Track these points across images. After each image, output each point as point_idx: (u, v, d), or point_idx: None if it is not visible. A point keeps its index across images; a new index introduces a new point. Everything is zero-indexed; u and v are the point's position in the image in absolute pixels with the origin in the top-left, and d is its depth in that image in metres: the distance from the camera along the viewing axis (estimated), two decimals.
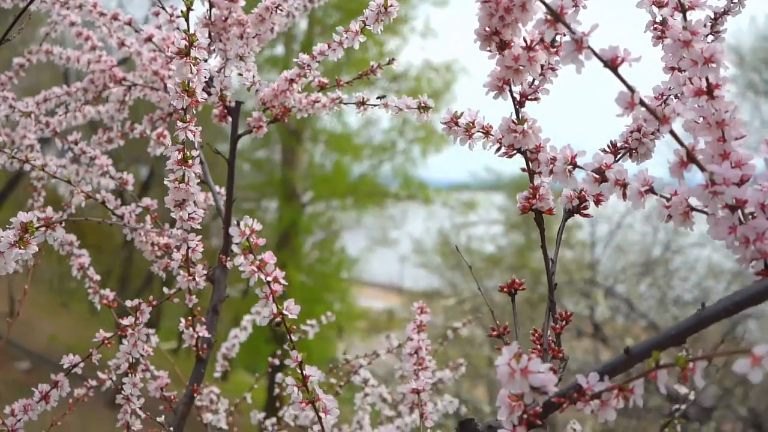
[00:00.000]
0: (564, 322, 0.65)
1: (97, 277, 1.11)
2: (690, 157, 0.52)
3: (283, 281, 0.63)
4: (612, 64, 0.51)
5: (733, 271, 7.11)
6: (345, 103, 0.98)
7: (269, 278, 0.63)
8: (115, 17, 1.11)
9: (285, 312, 0.64)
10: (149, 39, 1.06)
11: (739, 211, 0.53)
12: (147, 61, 1.16)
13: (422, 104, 0.86)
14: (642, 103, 0.51)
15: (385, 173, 11.98)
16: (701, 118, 0.56)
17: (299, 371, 0.66)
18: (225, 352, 1.44)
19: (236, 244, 0.62)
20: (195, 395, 1.00)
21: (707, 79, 0.54)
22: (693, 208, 0.55)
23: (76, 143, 1.13)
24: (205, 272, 0.92)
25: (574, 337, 7.56)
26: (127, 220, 1.00)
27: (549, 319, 0.65)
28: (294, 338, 0.66)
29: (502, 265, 9.59)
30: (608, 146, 0.70)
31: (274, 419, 1.35)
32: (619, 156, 0.70)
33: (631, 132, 0.69)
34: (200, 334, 0.98)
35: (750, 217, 0.53)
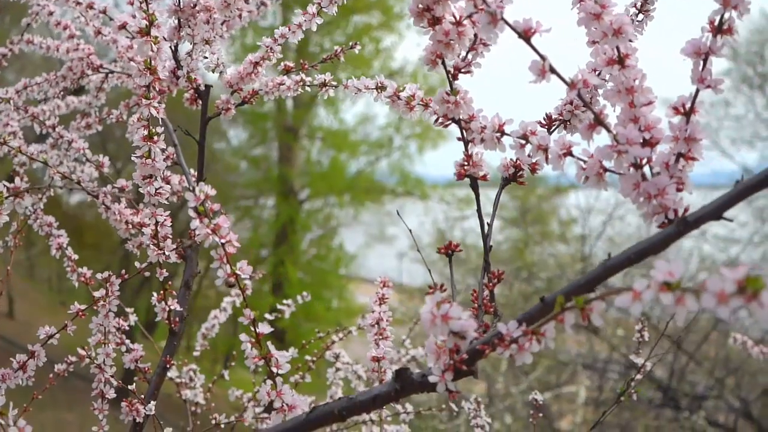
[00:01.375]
0: (497, 280, 0.70)
1: (75, 257, 1.15)
2: (598, 120, 0.57)
3: (236, 243, 0.68)
4: (525, 35, 0.56)
5: (724, 262, 7.18)
6: (308, 85, 1.03)
7: (223, 240, 0.67)
8: (90, 6, 1.15)
9: (238, 272, 0.68)
10: (123, 27, 1.10)
11: (648, 170, 0.58)
12: (123, 48, 1.20)
13: (379, 85, 0.91)
14: (552, 70, 0.55)
15: (381, 170, 12.05)
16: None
17: (253, 329, 0.70)
18: (204, 332, 1.48)
19: (191, 208, 0.66)
20: (168, 366, 1.05)
21: (618, 49, 0.59)
22: (606, 169, 0.59)
23: (53, 128, 1.18)
24: (174, 246, 0.96)
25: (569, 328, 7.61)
26: (101, 200, 1.04)
27: (483, 277, 0.70)
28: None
29: (498, 260, 9.64)
30: (543, 118, 0.74)
31: (249, 395, 1.40)
32: (553, 127, 0.74)
33: (565, 104, 0.74)
34: (172, 308, 1.02)
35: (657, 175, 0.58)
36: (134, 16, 1.14)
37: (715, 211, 0.52)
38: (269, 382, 0.71)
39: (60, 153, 1.22)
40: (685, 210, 0.56)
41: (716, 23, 0.57)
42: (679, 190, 0.56)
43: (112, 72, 1.26)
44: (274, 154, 11.93)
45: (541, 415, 1.24)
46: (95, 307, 0.99)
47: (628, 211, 7.43)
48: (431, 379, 0.60)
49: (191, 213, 0.67)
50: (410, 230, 1.00)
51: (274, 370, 0.70)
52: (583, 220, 7.92)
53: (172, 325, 1.04)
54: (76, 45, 1.25)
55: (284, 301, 1.45)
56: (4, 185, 0.72)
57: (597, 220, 7.82)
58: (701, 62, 0.57)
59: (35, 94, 1.34)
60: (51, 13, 1.25)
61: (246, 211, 11.38)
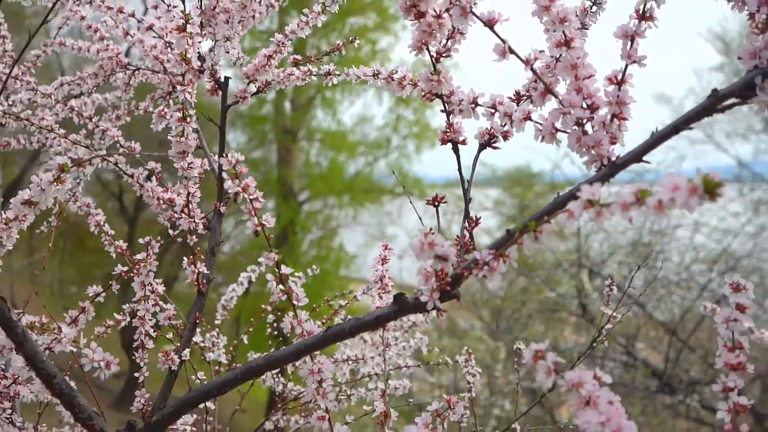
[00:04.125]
0: (475, 224, 0.85)
1: (112, 232, 1.31)
2: (547, 89, 0.72)
3: (261, 199, 0.83)
4: (490, 23, 0.71)
5: (718, 253, 7.34)
6: (315, 75, 1.18)
7: (252, 197, 0.83)
8: (120, 10, 1.31)
9: (264, 222, 0.84)
10: (150, 28, 1.25)
11: (589, 128, 0.74)
12: (148, 47, 1.35)
13: (375, 72, 1.06)
14: (511, 50, 0.71)
15: (380, 170, 12.21)
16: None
17: (276, 271, 0.86)
18: (224, 303, 1.63)
19: (225, 170, 0.81)
20: (197, 322, 1.20)
21: (564, 33, 0.74)
22: (557, 129, 0.75)
23: (90, 119, 1.33)
24: (203, 215, 1.12)
25: (565, 318, 7.79)
26: (136, 178, 1.20)
27: (464, 222, 0.85)
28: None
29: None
30: (513, 94, 0.89)
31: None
32: (522, 101, 0.89)
33: (531, 83, 0.89)
34: (200, 271, 1.18)
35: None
36: (159, 18, 1.30)
37: (637, 156, 0.67)
38: (291, 313, 0.86)
39: (95, 141, 1.38)
40: (617, 158, 0.71)
41: (641, 11, 0.72)
42: (612, 143, 0.72)
43: (138, 69, 1.41)
44: (273, 157, 12.07)
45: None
46: (134, 271, 1.15)
47: None
48: (422, 299, 0.75)
49: (224, 175, 0.83)
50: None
51: (295, 302, 0.86)
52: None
53: (200, 287, 1.20)
54: (106, 46, 1.41)
55: (296, 274, 1.59)
56: (69, 157, 0.87)
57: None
58: (629, 42, 0.72)
59: (66, 91, 1.50)
60: (83, 18, 1.41)
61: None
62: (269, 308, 1.63)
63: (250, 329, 1.65)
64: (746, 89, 0.64)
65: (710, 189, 0.47)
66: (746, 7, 0.68)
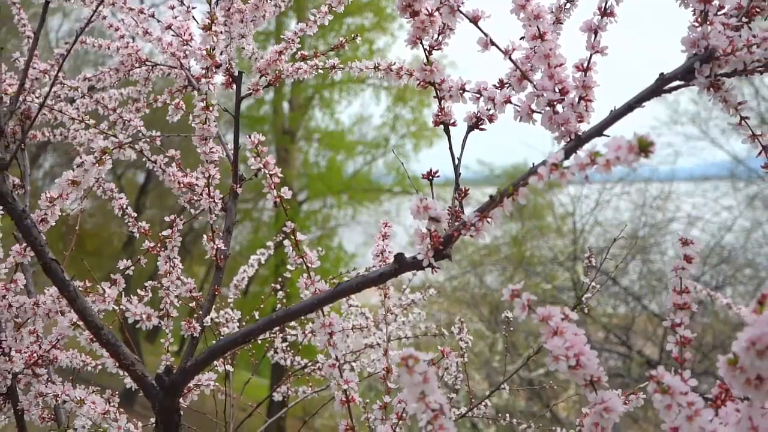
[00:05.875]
0: (464, 194, 0.98)
1: (134, 214, 1.43)
2: (523, 75, 0.85)
3: (280, 175, 0.96)
4: (474, 20, 0.84)
5: (709, 246, 7.49)
6: (320, 69, 1.31)
7: (271, 172, 0.95)
8: (141, 11, 1.43)
9: (282, 194, 0.96)
10: (169, 27, 1.38)
11: (560, 108, 0.86)
12: (166, 45, 1.47)
13: (376, 65, 1.19)
14: (492, 42, 0.83)
15: (378, 169, 12.33)
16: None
17: (293, 237, 0.98)
18: (236, 283, 1.75)
19: (248, 150, 0.94)
20: (216, 294, 1.32)
21: (538, 28, 0.87)
22: (533, 110, 0.87)
23: (114, 110, 1.45)
24: (221, 196, 1.24)
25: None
26: (159, 164, 1.32)
27: (455, 192, 0.97)
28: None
29: (497, 255, 9.93)
30: (497, 81, 1.02)
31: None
32: (504, 88, 1.02)
33: (512, 71, 1.01)
34: (218, 247, 1.30)
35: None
36: (175, 17, 1.43)
37: (598, 131, 0.80)
38: (305, 275, 0.99)
39: (116, 132, 1.50)
40: (582, 133, 0.84)
41: (602, 8, 0.85)
42: (579, 121, 0.84)
43: (156, 64, 1.53)
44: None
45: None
46: (157, 248, 1.27)
47: (613, 195, 7.74)
48: (418, 257, 0.88)
49: (248, 153, 0.95)
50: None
51: (309, 265, 0.98)
52: (573, 206, 8.23)
53: (219, 262, 1.32)
54: (126, 43, 1.53)
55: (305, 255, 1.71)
56: (110, 141, 0.99)
57: (589, 202, 8.14)
58: (593, 35, 0.85)
59: (88, 85, 1.62)
60: (104, 17, 1.53)
61: (246, 214, 11.65)
62: (278, 286, 1.75)
63: (261, 306, 1.78)
64: (687, 73, 0.77)
65: (644, 147, 0.60)
66: (690, 5, 0.81)
